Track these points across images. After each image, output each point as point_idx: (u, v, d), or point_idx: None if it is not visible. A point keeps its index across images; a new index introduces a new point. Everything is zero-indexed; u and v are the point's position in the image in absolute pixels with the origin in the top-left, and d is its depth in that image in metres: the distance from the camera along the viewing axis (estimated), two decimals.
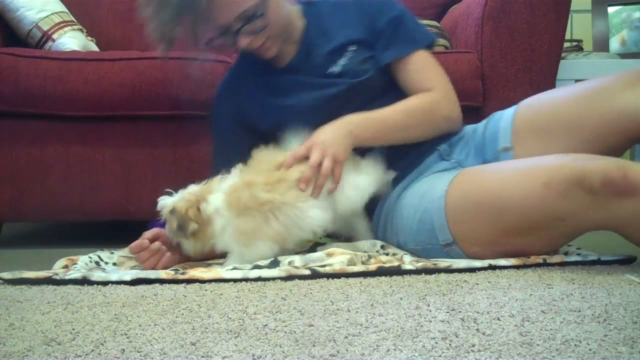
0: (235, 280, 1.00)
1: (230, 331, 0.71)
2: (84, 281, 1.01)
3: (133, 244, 1.12)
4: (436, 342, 0.65)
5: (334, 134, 1.17)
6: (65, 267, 1.13)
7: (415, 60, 1.27)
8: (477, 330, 0.70)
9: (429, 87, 1.26)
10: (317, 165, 1.13)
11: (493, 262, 1.04)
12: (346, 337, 0.68)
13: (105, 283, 1.00)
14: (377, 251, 1.19)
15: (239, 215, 1.09)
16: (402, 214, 1.20)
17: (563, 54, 1.93)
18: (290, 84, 1.30)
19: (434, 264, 1.04)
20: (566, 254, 1.10)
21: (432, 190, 1.15)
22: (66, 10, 1.91)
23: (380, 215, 1.26)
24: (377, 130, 1.21)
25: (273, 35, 1.23)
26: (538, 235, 1.05)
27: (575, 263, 1.06)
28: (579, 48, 2.29)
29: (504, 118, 1.23)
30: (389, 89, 1.28)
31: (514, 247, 1.07)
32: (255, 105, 1.33)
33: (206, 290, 0.94)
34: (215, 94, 1.42)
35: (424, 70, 1.27)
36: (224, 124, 1.39)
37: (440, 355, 0.62)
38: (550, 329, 0.69)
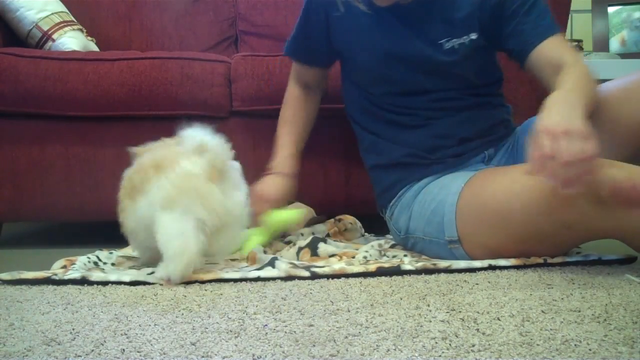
0: (234, 280, 1.00)
1: (230, 331, 0.71)
2: (83, 281, 1.00)
3: None
4: (436, 342, 0.65)
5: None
6: (64, 267, 1.13)
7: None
8: (477, 330, 0.70)
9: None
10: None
11: (493, 262, 1.04)
12: (346, 337, 0.68)
13: (105, 283, 1.00)
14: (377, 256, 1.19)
15: None
16: (422, 200, 1.18)
17: None
18: (390, 25, 1.19)
19: (434, 264, 1.04)
20: (566, 253, 1.10)
21: (451, 184, 1.14)
22: (66, 10, 1.91)
23: (402, 197, 1.23)
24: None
25: None
26: (544, 243, 1.03)
27: (576, 263, 1.06)
28: (579, 48, 2.29)
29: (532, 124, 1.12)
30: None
31: (518, 254, 1.06)
32: (345, 29, 1.23)
33: (206, 290, 0.94)
34: None
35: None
36: (315, 27, 1.27)
37: (440, 355, 0.62)
38: (550, 329, 0.69)
